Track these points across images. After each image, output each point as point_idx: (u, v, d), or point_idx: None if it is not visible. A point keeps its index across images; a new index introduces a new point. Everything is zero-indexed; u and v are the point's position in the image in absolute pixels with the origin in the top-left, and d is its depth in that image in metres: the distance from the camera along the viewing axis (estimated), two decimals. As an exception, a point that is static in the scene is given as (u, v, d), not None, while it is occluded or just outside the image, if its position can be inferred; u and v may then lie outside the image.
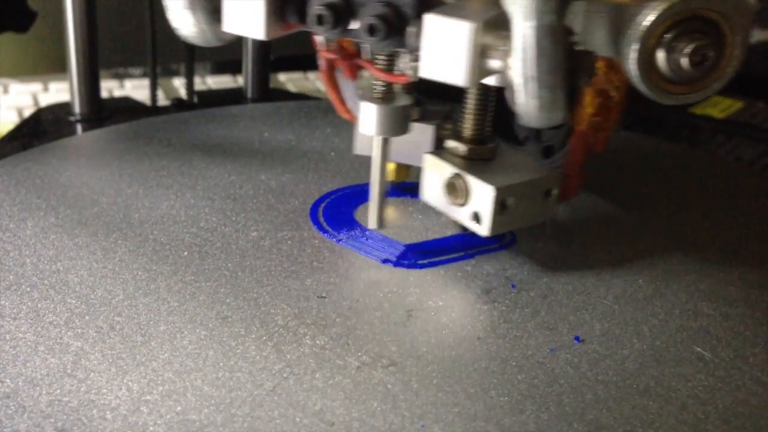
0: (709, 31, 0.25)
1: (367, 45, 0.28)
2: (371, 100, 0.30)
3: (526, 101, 0.24)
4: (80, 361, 0.25)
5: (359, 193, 0.37)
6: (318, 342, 0.27)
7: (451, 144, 0.32)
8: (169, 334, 0.27)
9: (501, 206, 0.30)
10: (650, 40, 0.25)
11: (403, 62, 0.28)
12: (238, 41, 0.55)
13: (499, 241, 0.34)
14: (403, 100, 0.30)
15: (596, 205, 0.39)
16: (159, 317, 0.28)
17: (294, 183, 0.38)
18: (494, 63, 0.24)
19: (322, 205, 0.36)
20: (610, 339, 0.28)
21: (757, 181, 0.45)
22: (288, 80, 0.71)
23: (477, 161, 0.31)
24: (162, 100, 0.58)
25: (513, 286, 0.31)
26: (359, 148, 0.36)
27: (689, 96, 0.26)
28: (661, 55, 0.25)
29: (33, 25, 0.57)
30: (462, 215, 0.31)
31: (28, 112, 0.59)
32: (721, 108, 0.67)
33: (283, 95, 0.58)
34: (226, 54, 0.68)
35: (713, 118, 0.65)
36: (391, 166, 0.37)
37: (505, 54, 0.24)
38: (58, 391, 0.24)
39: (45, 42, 0.63)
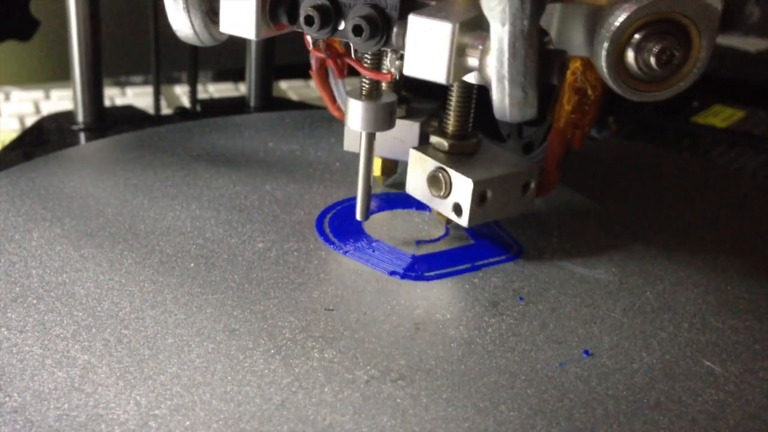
0: (677, 34, 0.26)
1: (354, 45, 0.29)
2: (358, 97, 0.31)
3: (501, 98, 0.25)
4: (88, 375, 0.25)
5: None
6: (326, 355, 0.27)
7: (435, 139, 0.34)
8: (177, 347, 0.27)
9: (480, 198, 0.32)
10: (620, 40, 0.26)
11: (389, 61, 0.29)
12: (242, 49, 0.55)
13: (506, 253, 0.34)
14: (388, 97, 0.31)
15: (601, 216, 0.39)
16: (166, 330, 0.27)
17: (299, 193, 0.38)
18: (472, 61, 0.26)
19: (328, 216, 0.36)
20: (620, 353, 0.28)
21: (761, 191, 0.45)
22: (289, 88, 0.71)
23: (459, 156, 0.33)
24: (164, 109, 0.57)
25: (521, 298, 0.31)
26: (348, 145, 0.38)
27: (657, 94, 0.27)
28: (630, 54, 0.26)
29: (35, 34, 0.57)
30: (444, 207, 0.33)
31: (29, 120, 0.59)
32: (722, 117, 0.67)
33: (286, 104, 0.58)
34: (228, 62, 0.68)
35: (715, 127, 0.65)
36: (378, 162, 0.38)
37: (483, 53, 0.25)
38: (66, 405, 0.24)
39: (47, 50, 0.63)
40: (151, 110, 0.55)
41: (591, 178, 0.44)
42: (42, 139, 0.48)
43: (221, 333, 0.27)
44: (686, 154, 0.61)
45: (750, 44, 0.73)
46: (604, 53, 0.26)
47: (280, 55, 0.55)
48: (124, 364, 0.26)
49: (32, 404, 0.24)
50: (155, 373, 0.25)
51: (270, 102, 0.56)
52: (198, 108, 0.56)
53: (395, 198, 0.38)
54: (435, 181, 0.33)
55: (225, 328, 0.28)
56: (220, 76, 0.74)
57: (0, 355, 0.26)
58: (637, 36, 0.26)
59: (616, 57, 0.26)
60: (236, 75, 0.71)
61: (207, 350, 0.27)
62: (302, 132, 0.46)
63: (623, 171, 0.46)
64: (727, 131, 0.65)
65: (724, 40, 0.74)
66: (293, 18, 0.28)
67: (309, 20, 0.28)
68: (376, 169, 0.38)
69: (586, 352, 0.28)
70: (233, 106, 0.56)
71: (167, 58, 0.55)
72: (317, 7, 0.27)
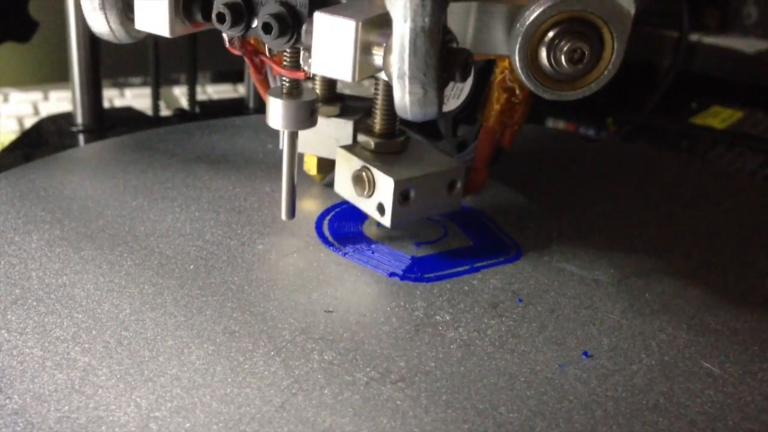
0: (590, 34, 0.26)
1: (265, 42, 0.29)
2: (278, 95, 0.31)
3: (401, 96, 0.25)
4: (88, 377, 0.25)
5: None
6: (326, 357, 0.27)
7: (362, 138, 0.34)
8: (177, 349, 0.27)
9: (402, 197, 0.32)
10: (534, 35, 0.27)
11: (302, 59, 0.29)
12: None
13: (505, 255, 0.34)
14: (309, 96, 0.31)
15: (600, 217, 0.39)
16: (166, 332, 0.27)
17: (299, 195, 0.38)
18: (378, 59, 0.26)
19: (328, 217, 0.36)
20: (619, 354, 0.28)
21: (759, 192, 0.45)
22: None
23: (386, 155, 0.33)
24: (163, 110, 0.58)
25: (520, 300, 0.31)
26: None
27: (569, 93, 0.28)
28: (543, 51, 0.27)
29: (34, 35, 0.57)
30: (368, 207, 0.33)
31: (28, 121, 0.59)
32: (721, 118, 0.68)
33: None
34: (227, 63, 0.68)
35: (713, 128, 0.66)
36: (313, 161, 0.38)
37: (386, 51, 0.25)
38: (67, 407, 0.24)
39: (46, 51, 0.63)
40: (150, 112, 0.55)
41: (589, 179, 0.44)
42: (41, 140, 0.48)
43: (221, 335, 0.28)
44: (685, 155, 0.61)
45: (748, 45, 0.73)
46: (517, 47, 0.27)
47: (279, 57, 0.55)
48: (125, 366, 0.26)
49: (32, 406, 0.24)
50: (155, 375, 0.25)
51: (269, 103, 0.56)
52: (197, 109, 0.56)
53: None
54: (359, 180, 0.32)
55: (225, 330, 0.28)
56: (218, 78, 0.74)
57: (0, 357, 0.26)
58: (550, 33, 0.26)
59: (529, 53, 0.27)
60: (235, 76, 0.71)
61: (207, 352, 0.27)
62: (301, 133, 0.46)
63: (622, 172, 0.46)
64: (725, 132, 0.65)
65: (722, 40, 0.74)
66: (207, 15, 0.28)
67: (221, 18, 0.28)
68: (312, 168, 0.38)
69: (585, 353, 0.28)
70: (232, 108, 0.56)
71: (166, 60, 0.55)
72: (229, 5, 0.27)
